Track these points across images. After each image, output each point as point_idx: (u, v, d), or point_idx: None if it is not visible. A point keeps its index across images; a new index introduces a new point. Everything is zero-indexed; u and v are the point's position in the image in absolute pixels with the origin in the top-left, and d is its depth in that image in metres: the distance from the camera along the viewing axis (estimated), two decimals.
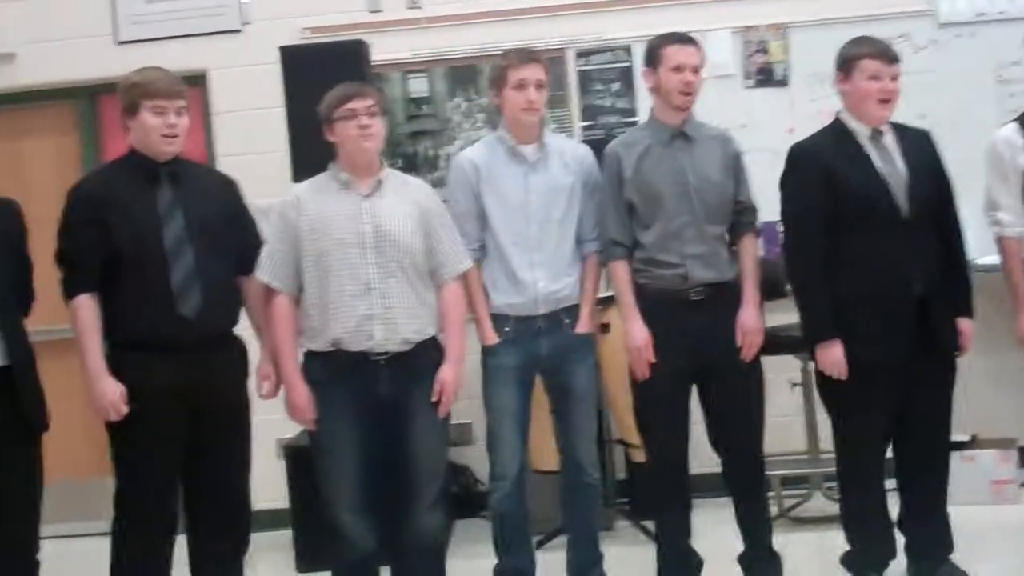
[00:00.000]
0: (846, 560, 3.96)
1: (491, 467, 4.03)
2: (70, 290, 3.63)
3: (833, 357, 3.74)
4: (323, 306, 3.67)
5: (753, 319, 3.89)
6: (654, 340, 3.87)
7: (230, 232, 3.74)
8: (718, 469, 3.99)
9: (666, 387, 3.88)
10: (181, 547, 3.74)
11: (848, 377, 3.74)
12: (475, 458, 5.01)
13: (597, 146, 4.19)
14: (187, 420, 3.62)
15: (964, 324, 3.85)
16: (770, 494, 4.32)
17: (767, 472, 4.08)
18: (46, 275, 3.71)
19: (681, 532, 3.99)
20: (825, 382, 3.85)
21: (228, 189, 3.87)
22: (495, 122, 4.15)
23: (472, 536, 4.47)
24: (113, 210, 3.60)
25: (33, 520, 3.59)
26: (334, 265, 3.65)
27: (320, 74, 4.27)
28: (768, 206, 4.00)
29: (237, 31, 5.50)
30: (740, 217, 3.98)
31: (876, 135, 3.80)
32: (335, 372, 3.67)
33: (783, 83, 5.38)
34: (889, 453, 3.89)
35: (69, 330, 3.68)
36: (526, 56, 3.98)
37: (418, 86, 5.51)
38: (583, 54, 5.44)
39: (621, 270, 3.96)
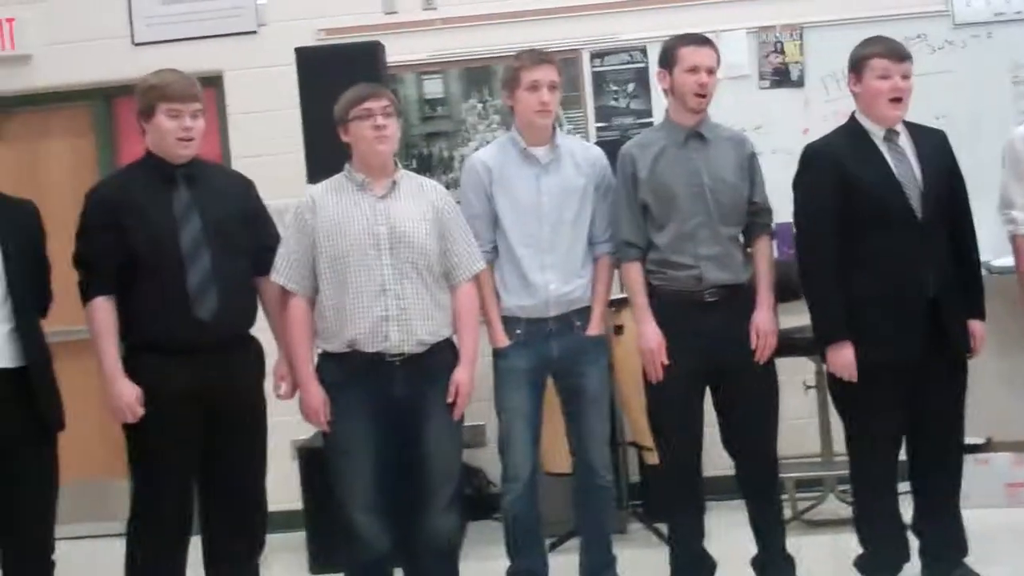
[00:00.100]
0: (860, 563, 3.95)
1: (503, 469, 4.03)
2: (87, 292, 3.66)
3: (844, 359, 3.73)
4: (339, 308, 3.67)
5: (767, 321, 3.89)
6: (668, 342, 3.87)
7: (247, 233, 3.76)
8: (732, 471, 3.99)
9: (679, 389, 3.87)
10: (195, 548, 3.75)
11: (860, 379, 3.73)
12: (488, 460, 5.01)
13: (612, 147, 4.18)
14: (203, 422, 3.64)
15: (976, 326, 3.83)
16: (784, 497, 4.30)
17: (781, 475, 4.07)
18: (62, 276, 3.74)
19: (694, 535, 3.99)
20: (837, 384, 3.84)
21: (245, 190, 3.88)
22: (510, 123, 4.15)
23: (485, 538, 4.47)
24: (129, 213, 3.62)
25: (49, 520, 3.62)
26: (350, 267, 3.66)
27: (335, 75, 4.28)
28: (783, 207, 3.99)
29: (253, 32, 5.51)
30: (755, 219, 3.98)
31: (891, 136, 3.79)
32: (350, 373, 3.68)
33: (798, 84, 5.35)
34: (903, 455, 3.88)
35: (85, 331, 3.70)
36: (539, 57, 3.98)
37: (433, 87, 5.52)
38: (598, 55, 5.43)
39: (634, 271, 3.95)
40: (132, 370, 3.62)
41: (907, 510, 3.92)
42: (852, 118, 3.87)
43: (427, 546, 3.78)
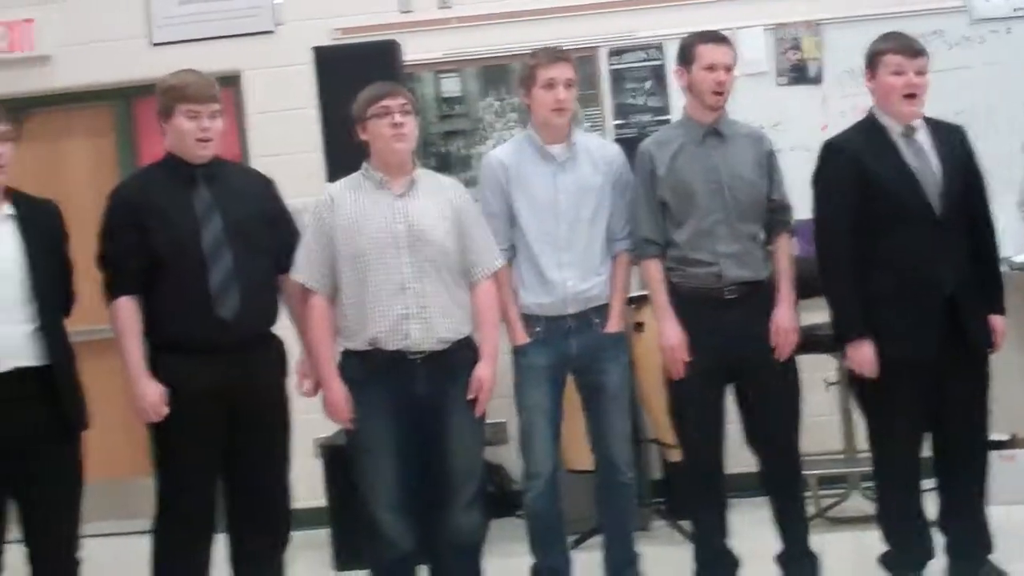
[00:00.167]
0: (884, 560, 3.94)
1: (524, 466, 4.03)
2: (111, 293, 3.67)
3: (862, 355, 3.73)
4: (359, 306, 3.68)
5: (788, 318, 3.89)
6: (688, 339, 3.86)
7: (268, 231, 3.77)
8: (755, 468, 3.98)
9: (700, 386, 3.87)
10: (220, 546, 3.77)
11: (879, 375, 3.72)
12: (510, 457, 5.02)
13: (630, 144, 4.19)
14: (226, 420, 3.65)
15: (996, 321, 3.82)
16: (807, 494, 4.30)
17: (804, 472, 4.06)
18: (85, 275, 3.75)
19: (717, 531, 3.99)
20: (858, 381, 3.84)
21: (265, 189, 3.89)
22: (527, 121, 4.15)
23: (509, 535, 4.47)
24: (151, 215, 3.64)
25: (74, 518, 3.63)
26: (369, 265, 3.67)
27: (352, 74, 4.29)
28: (803, 204, 3.98)
29: (270, 32, 5.53)
30: (774, 216, 3.97)
31: (908, 131, 3.78)
32: (372, 371, 3.68)
33: (816, 80, 5.35)
34: (929, 452, 3.87)
35: (109, 330, 3.72)
36: (554, 55, 3.98)
37: (450, 86, 5.52)
38: (615, 52, 5.43)
39: (654, 269, 3.95)
40: (156, 370, 3.64)
41: (932, 507, 3.91)
42: (869, 114, 3.86)
43: (450, 543, 3.78)
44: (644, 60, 5.42)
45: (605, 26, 5.41)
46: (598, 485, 4.11)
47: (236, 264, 3.64)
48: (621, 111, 5.44)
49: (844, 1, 5.30)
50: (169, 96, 3.69)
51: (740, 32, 5.05)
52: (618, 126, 5.42)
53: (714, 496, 3.96)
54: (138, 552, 3.85)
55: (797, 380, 3.96)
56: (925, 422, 3.80)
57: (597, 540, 4.25)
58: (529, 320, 3.98)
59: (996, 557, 3.86)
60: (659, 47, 5.38)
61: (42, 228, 3.62)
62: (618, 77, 5.44)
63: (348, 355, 3.76)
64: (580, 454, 4.49)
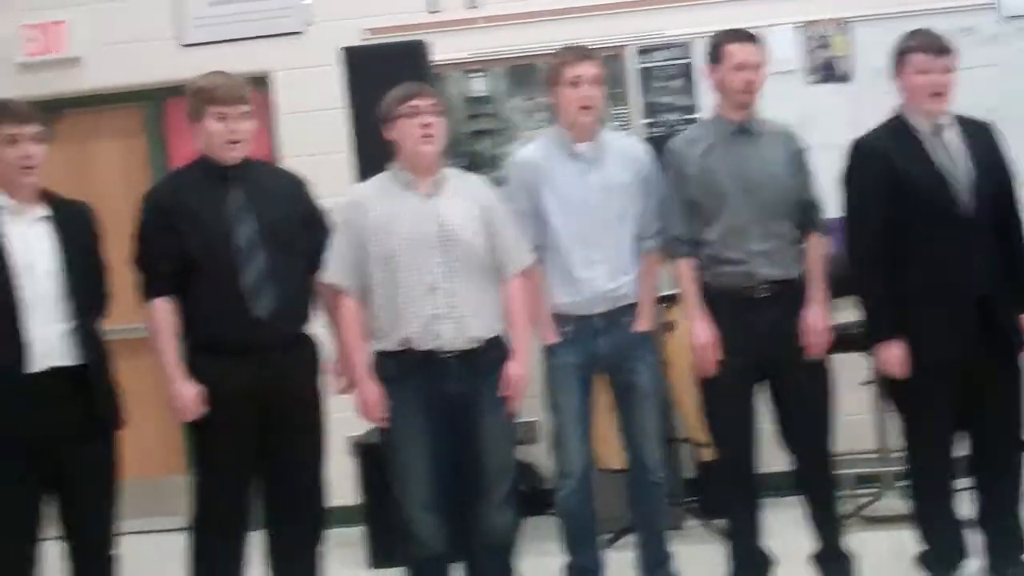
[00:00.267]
0: (922, 559, 3.93)
1: (556, 465, 4.03)
2: (146, 295, 3.70)
3: (893, 356, 3.71)
4: (390, 307, 3.69)
5: (819, 317, 3.87)
6: (719, 338, 3.86)
7: (302, 232, 3.78)
8: (789, 468, 3.97)
9: (731, 385, 3.87)
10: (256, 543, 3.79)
11: (911, 376, 3.71)
12: (541, 456, 5.02)
13: (659, 143, 4.17)
14: (261, 420, 3.67)
15: None
16: (841, 493, 4.28)
17: (838, 471, 4.04)
18: (118, 274, 3.76)
19: (751, 531, 3.98)
20: (890, 381, 3.82)
21: (298, 189, 3.89)
22: (555, 120, 4.15)
23: (542, 533, 4.47)
24: (183, 217, 3.66)
25: (110, 516, 3.66)
26: (400, 266, 3.67)
27: (381, 74, 4.31)
28: (834, 203, 3.96)
29: (299, 33, 5.54)
30: (805, 214, 3.96)
31: (937, 129, 3.76)
32: (405, 370, 3.69)
33: (846, 78, 5.33)
34: (964, 451, 3.85)
35: (143, 329, 3.74)
36: (580, 53, 3.97)
37: (478, 85, 5.53)
38: (644, 51, 5.41)
39: (685, 267, 3.95)
40: (191, 370, 3.66)
41: (967, 506, 3.89)
42: (898, 112, 3.84)
43: (483, 542, 3.79)
44: (672, 59, 5.40)
45: (633, 25, 5.40)
46: (629, 484, 4.11)
47: (269, 264, 3.66)
48: (649, 110, 5.42)
49: None
50: (198, 98, 3.71)
51: (769, 30, 5.01)
52: (647, 125, 5.41)
53: (747, 495, 3.95)
54: (173, 549, 3.88)
55: (829, 379, 3.95)
56: (957, 422, 3.78)
57: (630, 539, 4.24)
58: (558, 319, 3.97)
59: None
60: (687, 45, 5.36)
61: (76, 229, 3.64)
62: (646, 76, 5.43)
63: (381, 354, 3.76)
64: (613, 453, 4.49)
